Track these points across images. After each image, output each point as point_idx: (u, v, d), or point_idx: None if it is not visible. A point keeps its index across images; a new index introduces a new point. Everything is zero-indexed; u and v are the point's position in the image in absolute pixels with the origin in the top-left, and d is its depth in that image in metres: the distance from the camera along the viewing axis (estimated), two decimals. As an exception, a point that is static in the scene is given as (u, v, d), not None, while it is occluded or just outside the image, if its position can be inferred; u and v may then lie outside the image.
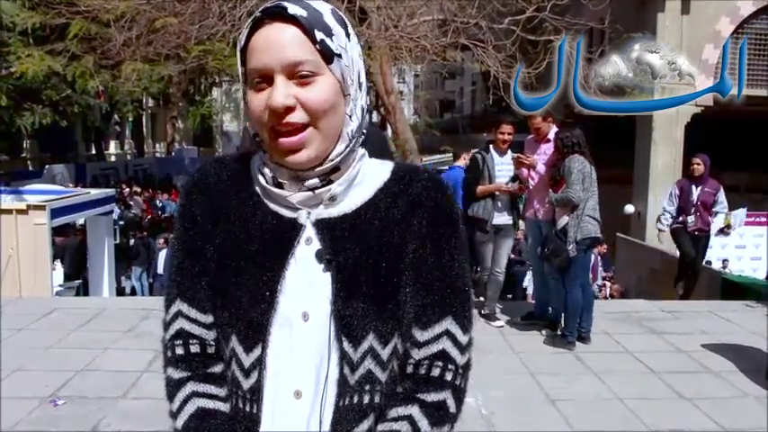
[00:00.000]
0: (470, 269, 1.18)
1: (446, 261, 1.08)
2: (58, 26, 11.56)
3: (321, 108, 0.99)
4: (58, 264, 10.32)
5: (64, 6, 10.31)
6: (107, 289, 10.15)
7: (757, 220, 11.45)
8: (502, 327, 5.85)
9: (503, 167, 5.76)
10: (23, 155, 25.52)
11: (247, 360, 1.05)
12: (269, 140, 1.01)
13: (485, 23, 10.15)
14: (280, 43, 0.98)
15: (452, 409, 1.07)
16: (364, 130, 1.10)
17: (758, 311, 6.47)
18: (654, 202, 13.00)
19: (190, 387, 1.08)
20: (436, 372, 1.07)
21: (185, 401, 1.07)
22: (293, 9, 0.98)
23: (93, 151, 29.80)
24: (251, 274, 1.05)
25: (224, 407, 1.08)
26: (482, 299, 6.00)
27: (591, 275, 7.36)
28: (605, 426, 3.98)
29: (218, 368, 1.10)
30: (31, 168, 23.13)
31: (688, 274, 7.74)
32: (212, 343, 1.10)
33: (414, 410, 1.04)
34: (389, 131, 11.14)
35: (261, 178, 1.07)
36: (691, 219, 7.35)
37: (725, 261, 10.89)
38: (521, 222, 6.35)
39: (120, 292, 11.41)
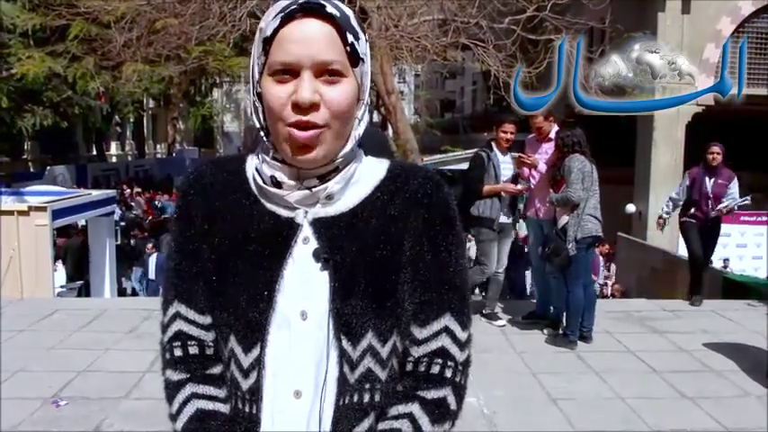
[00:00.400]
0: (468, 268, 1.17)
1: (444, 258, 1.08)
2: (59, 27, 11.58)
3: (341, 110, 0.99)
4: (60, 265, 10.32)
5: (64, 8, 10.33)
6: (108, 290, 10.15)
7: (758, 219, 11.44)
8: (504, 326, 5.86)
9: (505, 166, 5.76)
10: (24, 156, 25.52)
11: (246, 360, 1.04)
12: (282, 134, 1.00)
13: (485, 23, 10.14)
14: (315, 40, 0.97)
15: (453, 406, 1.07)
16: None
17: (760, 311, 6.47)
18: (655, 202, 12.98)
19: (189, 389, 1.08)
20: (436, 369, 1.07)
21: (184, 403, 1.07)
22: (330, 8, 0.97)
23: (94, 152, 29.82)
24: (249, 274, 1.04)
25: (223, 408, 1.07)
26: (483, 298, 6.01)
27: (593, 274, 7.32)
28: (607, 425, 3.98)
29: (216, 369, 1.09)
30: (32, 170, 23.13)
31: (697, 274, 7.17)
32: (211, 344, 1.10)
33: (414, 408, 1.04)
34: (390, 131, 11.14)
35: (258, 178, 1.07)
36: (717, 210, 6.68)
37: (726, 260, 10.88)
38: (521, 222, 6.35)
39: (122, 292, 11.40)
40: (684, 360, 5.13)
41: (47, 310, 6.23)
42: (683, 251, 10.79)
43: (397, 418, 1.04)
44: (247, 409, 1.05)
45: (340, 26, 0.98)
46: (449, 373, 1.07)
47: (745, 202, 6.79)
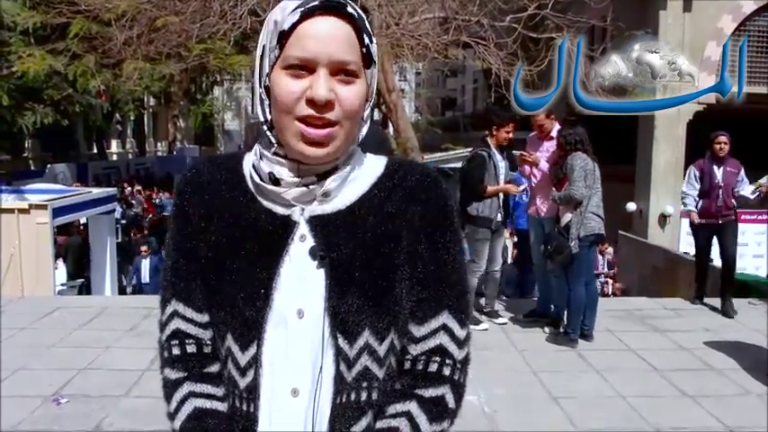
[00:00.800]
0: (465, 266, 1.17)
1: (441, 255, 1.07)
2: (59, 25, 11.57)
3: (354, 109, 0.99)
4: (61, 263, 10.33)
5: (65, 6, 10.31)
6: (109, 288, 10.16)
7: (759, 217, 11.43)
8: (505, 323, 5.86)
9: (500, 165, 5.76)
10: (25, 154, 25.53)
11: (243, 359, 1.04)
12: (292, 129, 0.99)
13: (486, 21, 10.13)
14: (334, 38, 0.96)
15: (451, 404, 1.06)
16: None
17: (760, 309, 6.46)
18: (656, 200, 12.99)
19: (187, 387, 1.08)
20: (434, 367, 1.06)
21: (182, 402, 1.07)
22: (351, 8, 0.97)
23: (95, 150, 29.83)
24: (245, 272, 1.04)
25: (221, 406, 1.07)
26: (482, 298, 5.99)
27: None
28: (608, 423, 3.98)
29: (214, 368, 1.09)
30: (32, 168, 23.14)
31: (706, 275, 6.78)
32: (209, 342, 1.10)
33: (412, 406, 1.04)
34: (391, 129, 11.13)
35: (255, 175, 1.06)
36: (719, 202, 6.34)
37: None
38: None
39: (122, 290, 11.39)
40: (685, 358, 5.13)
41: (47, 308, 6.23)
42: (683, 249, 10.82)
43: (394, 416, 1.04)
44: (245, 408, 1.04)
45: (358, 27, 0.98)
46: (447, 372, 1.07)
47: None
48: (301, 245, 1.04)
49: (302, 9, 0.96)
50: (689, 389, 4.48)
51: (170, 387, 1.09)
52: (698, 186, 6.50)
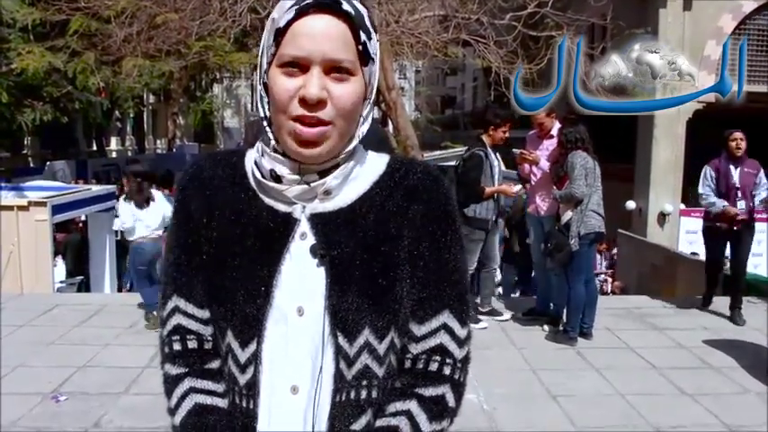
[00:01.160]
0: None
1: (442, 254, 1.07)
2: (59, 22, 11.54)
3: (347, 108, 0.99)
4: (60, 260, 10.31)
5: (64, 3, 10.29)
6: (108, 285, 10.15)
7: (758, 216, 11.40)
8: (507, 320, 5.87)
9: (497, 165, 5.75)
10: (24, 151, 25.51)
11: (243, 355, 1.04)
12: (286, 127, 0.99)
13: (486, 19, 10.12)
14: (328, 37, 0.96)
15: (451, 403, 1.06)
16: None
17: (759, 307, 6.47)
18: (655, 199, 12.98)
19: (187, 383, 1.08)
20: (434, 366, 1.06)
21: (183, 397, 1.07)
22: (346, 5, 0.97)
23: (95, 148, 29.80)
24: (246, 269, 1.04)
25: (222, 403, 1.07)
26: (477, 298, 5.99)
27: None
28: (606, 421, 3.99)
29: (215, 364, 1.09)
30: (32, 165, 23.12)
31: (717, 282, 6.40)
32: (210, 338, 1.10)
33: (412, 405, 1.04)
34: (391, 127, 11.12)
35: (257, 172, 1.06)
36: (741, 204, 5.90)
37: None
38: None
39: (120, 289, 11.38)
40: (684, 357, 5.14)
41: (47, 306, 6.23)
42: (682, 248, 10.81)
43: (394, 415, 1.04)
44: (244, 404, 1.04)
45: (354, 24, 0.97)
46: (447, 371, 1.07)
47: None
48: (302, 243, 1.04)
49: (297, 7, 0.96)
50: (688, 387, 4.49)
51: (171, 383, 1.09)
52: (714, 187, 6.07)
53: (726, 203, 5.91)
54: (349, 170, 1.05)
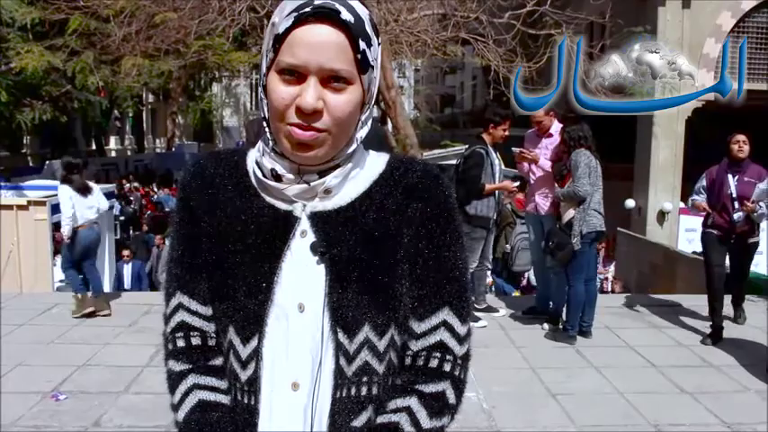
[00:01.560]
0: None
1: (442, 252, 1.08)
2: (58, 22, 11.55)
3: (344, 117, 0.99)
4: (59, 259, 10.30)
5: (63, 2, 10.30)
6: (108, 284, 10.15)
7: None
8: (503, 316, 5.88)
9: (497, 163, 5.75)
10: (24, 151, 25.51)
11: (244, 352, 1.05)
12: (283, 131, 0.99)
13: (485, 18, 10.13)
14: (325, 47, 0.95)
15: (452, 399, 1.07)
16: None
17: (759, 306, 6.47)
18: (654, 197, 12.98)
19: (191, 380, 1.08)
20: (434, 363, 1.07)
21: (186, 394, 1.07)
22: (345, 15, 0.96)
23: (94, 147, 29.80)
24: (247, 266, 1.05)
25: (225, 399, 1.08)
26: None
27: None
28: (606, 420, 3.99)
29: (219, 360, 1.10)
30: (31, 164, 23.12)
31: (721, 303, 5.52)
32: (213, 335, 1.11)
33: (412, 402, 1.04)
34: (390, 126, 11.12)
35: (258, 171, 1.07)
36: (739, 215, 5.26)
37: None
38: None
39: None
40: (684, 355, 5.14)
41: (46, 305, 6.24)
42: (682, 246, 10.82)
43: (395, 411, 1.04)
44: (246, 400, 1.05)
45: (352, 34, 0.97)
46: (447, 367, 1.07)
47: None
48: (302, 240, 1.05)
49: (296, 14, 0.96)
50: (688, 386, 4.49)
51: (174, 379, 1.10)
52: (704, 198, 5.56)
53: (697, 199, 5.57)
54: (348, 170, 1.06)
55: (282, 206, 1.06)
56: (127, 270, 9.99)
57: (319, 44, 0.95)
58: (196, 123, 30.34)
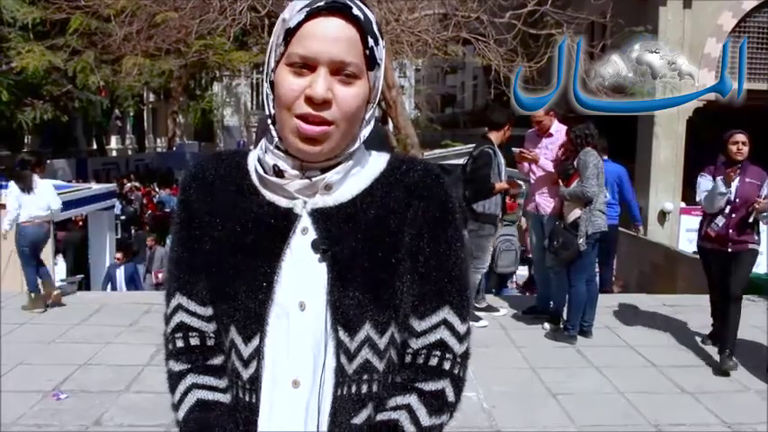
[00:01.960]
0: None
1: (443, 250, 1.08)
2: (59, 21, 11.56)
3: (352, 111, 1.00)
4: (60, 258, 10.32)
5: (64, 1, 10.30)
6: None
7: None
8: (503, 315, 5.88)
9: (503, 162, 5.77)
10: (25, 150, 25.51)
11: (246, 350, 1.06)
12: (290, 125, 1.00)
13: (486, 17, 10.13)
14: (336, 39, 0.98)
15: (451, 398, 1.07)
16: None
17: (759, 306, 6.47)
18: (655, 197, 12.98)
19: (190, 379, 1.10)
20: (434, 361, 1.07)
21: (185, 393, 1.09)
22: (356, 10, 0.98)
23: (95, 146, 29.82)
24: (248, 264, 1.06)
25: (224, 398, 1.09)
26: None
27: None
28: (606, 420, 3.99)
29: (218, 360, 1.11)
30: (32, 163, 23.10)
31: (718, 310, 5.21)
32: (212, 335, 1.12)
33: (412, 400, 1.05)
34: (390, 126, 11.13)
35: (259, 168, 1.08)
36: (719, 221, 4.85)
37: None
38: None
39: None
40: (684, 355, 5.14)
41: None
42: (683, 246, 10.81)
43: (395, 409, 1.05)
44: (247, 399, 1.06)
45: (363, 29, 0.99)
46: (447, 366, 1.08)
47: None
48: (303, 238, 1.05)
49: (308, 8, 0.98)
50: (688, 386, 4.49)
51: (174, 379, 1.11)
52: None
53: (719, 181, 4.78)
54: (350, 167, 1.07)
55: (283, 203, 1.07)
56: (119, 273, 9.85)
57: (331, 36, 0.97)
58: (197, 123, 30.34)
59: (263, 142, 1.09)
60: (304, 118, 0.99)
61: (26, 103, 16.04)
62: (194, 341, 1.11)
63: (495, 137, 5.70)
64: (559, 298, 5.63)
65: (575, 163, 5.18)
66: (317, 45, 0.97)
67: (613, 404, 4.21)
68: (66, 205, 9.24)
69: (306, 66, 0.98)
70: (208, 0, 9.87)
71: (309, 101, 0.98)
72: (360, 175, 1.09)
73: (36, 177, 6.29)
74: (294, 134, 1.00)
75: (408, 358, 1.09)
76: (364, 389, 1.05)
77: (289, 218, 1.06)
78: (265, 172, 1.06)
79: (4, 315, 5.78)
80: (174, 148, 30.04)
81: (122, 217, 14.33)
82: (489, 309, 5.95)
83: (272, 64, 1.03)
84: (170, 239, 1.18)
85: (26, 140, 25.18)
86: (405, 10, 10.32)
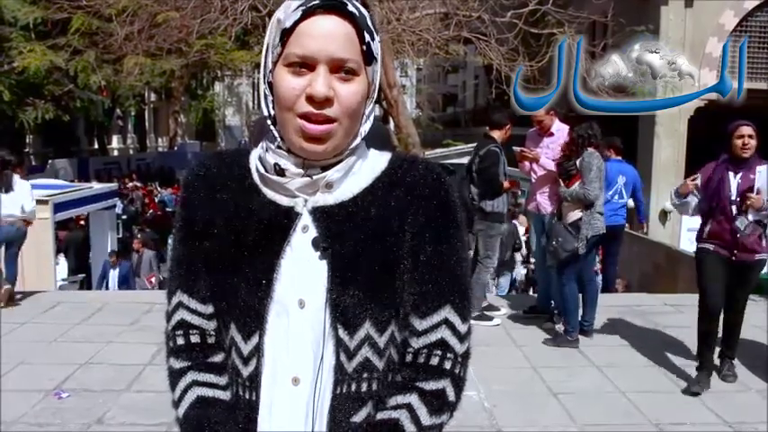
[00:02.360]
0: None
1: (444, 249, 1.08)
2: (60, 21, 11.58)
3: (353, 107, 1.01)
4: (62, 258, 10.34)
5: (65, 1, 10.32)
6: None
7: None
8: (504, 315, 5.89)
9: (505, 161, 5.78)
10: (26, 150, 25.53)
11: (246, 348, 1.06)
12: (293, 125, 1.01)
13: (487, 17, 10.13)
14: (334, 37, 0.98)
15: (451, 397, 1.07)
16: None
17: (760, 305, 6.45)
18: (656, 197, 12.96)
19: (190, 376, 1.10)
20: (435, 360, 1.07)
21: (186, 390, 1.09)
22: (351, 7, 0.99)
23: (96, 146, 29.82)
24: (248, 262, 1.06)
25: (224, 395, 1.09)
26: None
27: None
28: (607, 419, 3.99)
29: (218, 357, 1.12)
30: (33, 163, 23.14)
31: (714, 336, 4.47)
32: (212, 333, 1.12)
33: (413, 399, 1.05)
34: (392, 125, 11.13)
35: (260, 166, 1.08)
36: (742, 222, 4.17)
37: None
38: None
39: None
40: (685, 354, 5.13)
41: (49, 303, 6.25)
42: (684, 246, 10.79)
43: (395, 408, 1.05)
44: (247, 396, 1.07)
45: (358, 25, 0.99)
46: (448, 365, 1.08)
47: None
48: (304, 236, 1.06)
49: (304, 7, 0.98)
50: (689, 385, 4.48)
51: (174, 376, 1.12)
52: (697, 202, 4.45)
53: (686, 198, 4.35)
54: (351, 165, 1.07)
55: (284, 202, 1.07)
56: (113, 275, 9.93)
57: (328, 34, 0.98)
58: (198, 122, 30.34)
59: (264, 142, 1.09)
60: (307, 117, 0.99)
61: (28, 102, 16.06)
62: (195, 339, 1.12)
63: (497, 135, 5.70)
64: (559, 298, 5.61)
65: (577, 164, 5.13)
66: (315, 44, 0.98)
67: (614, 403, 4.21)
68: (68, 205, 9.29)
69: (305, 65, 0.99)
70: (209, 0, 9.88)
71: (311, 100, 0.98)
72: (361, 173, 1.09)
73: (17, 177, 6.34)
74: (298, 134, 1.01)
75: (409, 357, 1.09)
76: (364, 387, 1.05)
77: (289, 216, 1.06)
78: (266, 171, 1.07)
79: (6, 314, 5.78)
80: (176, 148, 30.04)
81: (124, 216, 14.35)
82: (490, 308, 5.95)
83: (270, 65, 1.03)
84: (172, 238, 1.18)
85: (28, 140, 25.19)
86: (406, 9, 10.33)
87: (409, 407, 1.04)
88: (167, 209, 16.02)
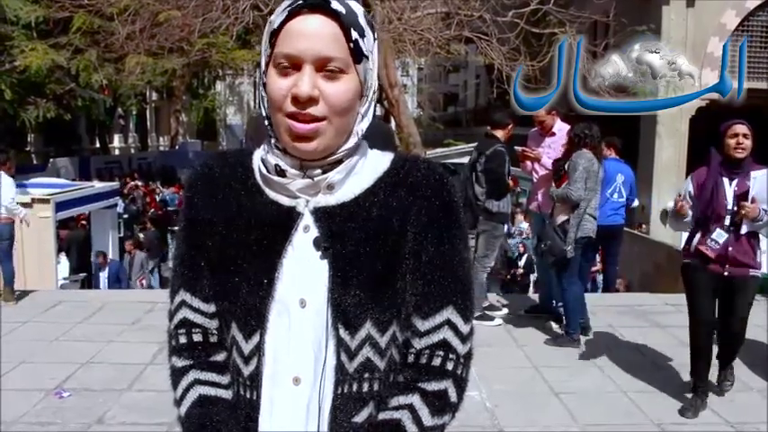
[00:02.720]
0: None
1: (446, 250, 1.08)
2: (62, 20, 11.59)
3: (341, 105, 1.01)
4: (63, 257, 10.34)
5: (67, 0, 10.32)
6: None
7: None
8: (505, 314, 5.90)
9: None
10: (28, 149, 25.54)
11: (247, 347, 1.06)
12: (282, 124, 1.02)
13: (489, 16, 10.13)
14: (317, 36, 0.99)
15: (453, 398, 1.07)
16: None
17: (761, 305, 6.44)
18: (657, 197, 12.97)
19: (192, 375, 1.10)
20: (437, 361, 1.07)
21: (187, 389, 1.10)
22: (336, 5, 0.99)
23: (98, 145, 29.83)
24: (250, 261, 1.06)
25: (225, 394, 1.09)
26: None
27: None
28: (609, 419, 3.99)
29: (220, 356, 1.12)
30: (35, 162, 23.16)
31: (708, 359, 4.15)
32: (215, 332, 1.13)
33: (414, 399, 1.05)
34: (393, 125, 11.13)
35: (262, 167, 1.08)
36: (719, 234, 3.87)
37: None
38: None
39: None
40: (686, 354, 5.12)
41: (50, 302, 6.25)
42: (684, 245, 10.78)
43: (397, 408, 1.05)
44: (248, 395, 1.07)
45: (344, 23, 0.99)
46: (450, 366, 1.08)
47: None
48: (305, 236, 1.06)
49: (289, 8, 0.99)
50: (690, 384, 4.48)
51: (176, 374, 1.12)
52: (694, 209, 4.02)
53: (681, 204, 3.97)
54: (352, 165, 1.07)
55: (286, 202, 1.07)
56: (102, 276, 9.89)
57: (312, 33, 0.98)
58: (199, 121, 30.35)
59: (266, 142, 1.10)
60: (294, 117, 1.00)
61: (29, 101, 16.06)
62: (197, 337, 1.12)
63: (500, 135, 5.69)
64: (560, 298, 5.61)
65: (567, 164, 5.12)
66: (300, 43, 0.99)
67: (616, 403, 4.21)
68: (69, 204, 9.29)
69: (291, 65, 1.00)
70: (210, -1, 9.89)
71: (296, 100, 0.99)
72: (362, 174, 1.09)
73: (3, 174, 6.38)
74: (287, 133, 1.01)
75: (411, 358, 1.09)
76: (365, 387, 1.05)
77: (291, 216, 1.06)
78: (268, 171, 1.07)
79: (7, 313, 5.79)
80: (177, 147, 30.04)
81: (125, 215, 14.35)
82: (491, 308, 5.95)
83: (263, 66, 1.05)
84: (175, 237, 1.19)
85: (29, 139, 25.20)
86: (407, 9, 10.33)
87: (411, 407, 1.04)
88: (169, 208, 16.01)
